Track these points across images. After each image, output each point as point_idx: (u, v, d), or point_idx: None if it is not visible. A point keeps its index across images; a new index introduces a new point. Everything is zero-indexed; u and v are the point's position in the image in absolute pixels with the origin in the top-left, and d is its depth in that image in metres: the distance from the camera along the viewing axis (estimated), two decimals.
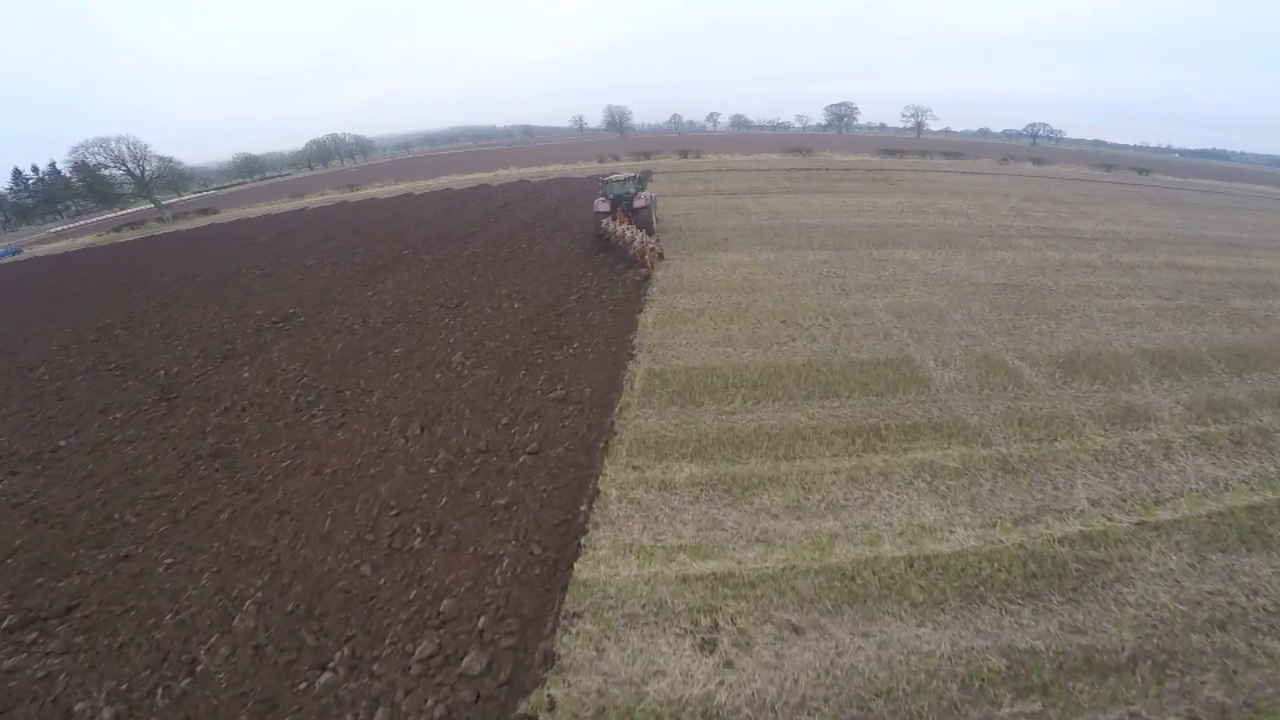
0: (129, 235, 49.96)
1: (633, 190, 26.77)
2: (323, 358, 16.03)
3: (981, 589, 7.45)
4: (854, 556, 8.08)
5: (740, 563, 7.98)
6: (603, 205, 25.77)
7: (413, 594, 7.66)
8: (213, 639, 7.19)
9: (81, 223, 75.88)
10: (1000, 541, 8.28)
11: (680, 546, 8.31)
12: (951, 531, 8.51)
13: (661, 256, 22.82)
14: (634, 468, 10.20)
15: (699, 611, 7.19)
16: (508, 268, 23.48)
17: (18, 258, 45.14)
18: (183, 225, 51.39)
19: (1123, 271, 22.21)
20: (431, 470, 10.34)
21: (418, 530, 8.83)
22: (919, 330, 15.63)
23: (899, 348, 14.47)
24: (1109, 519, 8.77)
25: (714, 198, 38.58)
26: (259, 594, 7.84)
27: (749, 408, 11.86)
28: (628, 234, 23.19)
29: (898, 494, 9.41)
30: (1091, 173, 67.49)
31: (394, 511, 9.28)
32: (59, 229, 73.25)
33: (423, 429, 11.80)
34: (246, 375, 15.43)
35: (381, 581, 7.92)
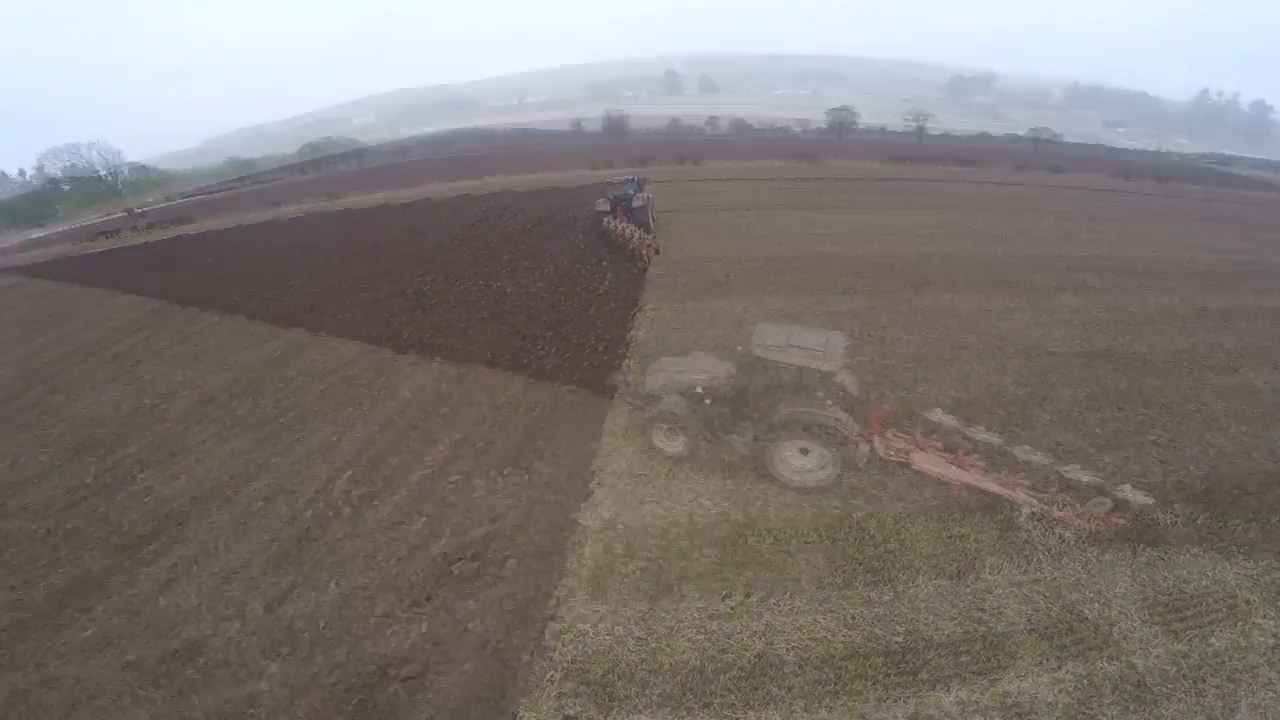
0: (101, 245, 46.16)
1: (631, 191, 29.00)
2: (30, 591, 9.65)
3: None
4: None
5: None
6: (603, 205, 27.99)
7: None
8: None
9: (63, 229, 72.09)
10: None
11: None
12: None
13: (657, 251, 23.56)
14: (566, 718, 6.31)
15: None
16: (448, 322, 18.92)
17: None
18: (153, 236, 47.73)
19: (1217, 324, 17.98)
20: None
21: None
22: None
23: (976, 476, 10.00)
24: None
25: (714, 215, 34.21)
26: None
27: (754, 604, 7.65)
28: (626, 231, 25.18)
29: None
30: (1111, 181, 62.92)
31: None
32: (38, 236, 69.35)
33: None
34: None
35: None
